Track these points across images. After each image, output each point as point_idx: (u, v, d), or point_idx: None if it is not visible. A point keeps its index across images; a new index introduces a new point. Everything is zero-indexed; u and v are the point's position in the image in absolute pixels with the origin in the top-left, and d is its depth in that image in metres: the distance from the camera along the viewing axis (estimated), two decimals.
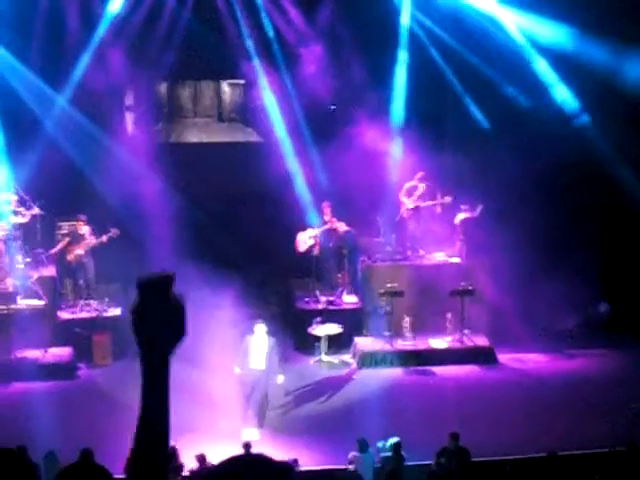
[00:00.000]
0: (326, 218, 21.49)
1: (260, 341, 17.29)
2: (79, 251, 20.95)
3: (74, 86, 21.85)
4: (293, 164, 22.61)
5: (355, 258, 22.06)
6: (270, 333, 17.45)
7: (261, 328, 17.35)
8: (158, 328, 2.99)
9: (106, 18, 21.86)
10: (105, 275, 21.33)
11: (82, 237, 20.98)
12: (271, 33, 22.44)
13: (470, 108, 22.18)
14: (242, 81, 24.09)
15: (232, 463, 2.98)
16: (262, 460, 3.00)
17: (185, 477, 14.17)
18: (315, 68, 22.31)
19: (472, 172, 20.72)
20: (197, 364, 18.25)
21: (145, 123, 23.25)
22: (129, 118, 23.41)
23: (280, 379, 17.40)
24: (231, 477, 2.89)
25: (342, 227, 21.42)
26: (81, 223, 20.98)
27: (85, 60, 21.87)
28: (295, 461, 13.62)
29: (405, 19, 22.46)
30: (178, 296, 3.03)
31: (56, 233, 21.33)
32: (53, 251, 21.06)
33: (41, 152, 21.15)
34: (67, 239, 21.06)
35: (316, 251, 21.54)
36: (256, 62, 22.64)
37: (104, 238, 20.78)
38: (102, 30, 21.90)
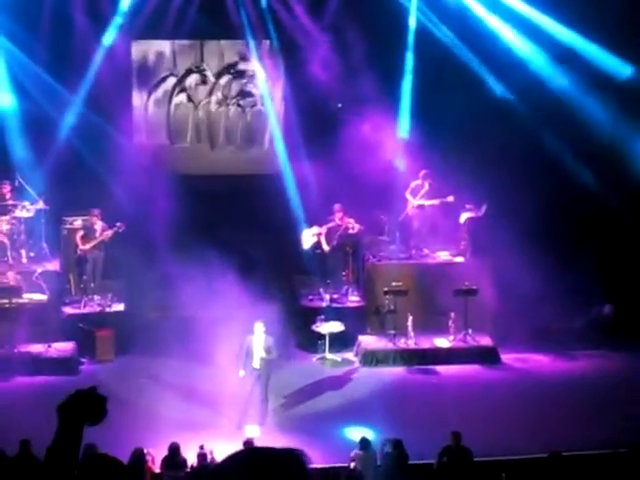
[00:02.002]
0: (338, 221, 21.35)
1: (259, 340, 17.26)
2: (91, 245, 20.92)
3: (83, 82, 21.91)
4: (297, 161, 22.63)
5: (360, 256, 22.03)
6: (268, 332, 17.39)
7: (259, 327, 17.33)
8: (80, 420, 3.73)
9: (117, 14, 21.92)
10: (109, 271, 21.33)
11: (95, 231, 20.95)
12: (276, 31, 22.50)
13: (475, 103, 22.17)
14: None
15: (236, 457, 2.95)
16: (266, 451, 2.97)
17: (187, 473, 14.19)
18: (320, 66, 22.27)
19: (476, 171, 20.66)
20: (201, 362, 18.32)
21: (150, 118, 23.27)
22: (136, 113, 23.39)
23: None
24: (237, 471, 2.86)
25: (354, 227, 21.32)
26: (95, 217, 20.95)
27: (94, 55, 21.94)
28: None
29: (412, 18, 22.49)
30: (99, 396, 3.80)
31: (61, 227, 21.32)
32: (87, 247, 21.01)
33: (48, 148, 21.25)
34: (81, 232, 21.01)
35: (321, 248, 21.50)
36: (259, 60, 22.77)
37: (110, 232, 20.76)
38: (113, 27, 21.99)
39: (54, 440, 3.65)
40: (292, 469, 2.87)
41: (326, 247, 21.41)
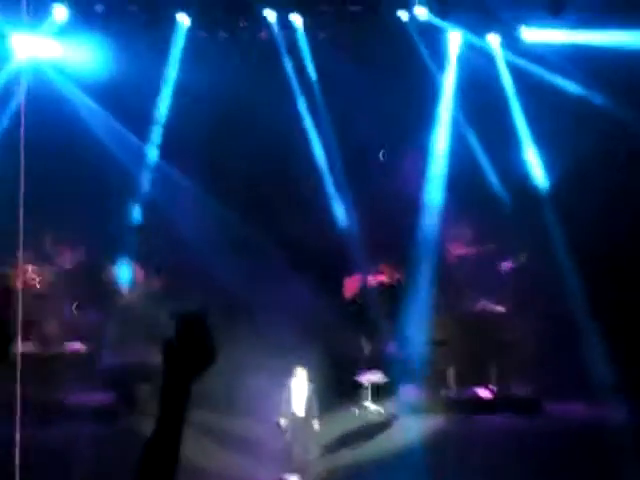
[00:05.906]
0: (386, 281, 21.39)
1: (301, 387, 17.19)
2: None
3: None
4: (337, 209, 22.63)
5: (401, 306, 21.95)
6: (310, 379, 17.34)
7: (302, 374, 17.26)
8: (187, 357, 3.23)
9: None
10: None
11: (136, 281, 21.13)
12: (315, 75, 22.50)
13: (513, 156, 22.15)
14: None
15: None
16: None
17: None
18: (362, 109, 22.23)
19: (517, 218, 20.61)
20: (241, 411, 18.26)
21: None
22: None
23: (316, 425, 17.22)
24: None
25: (401, 280, 21.35)
26: (137, 267, 21.11)
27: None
28: None
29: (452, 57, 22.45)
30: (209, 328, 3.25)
31: (102, 276, 21.43)
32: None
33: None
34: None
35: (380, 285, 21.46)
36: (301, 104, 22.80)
37: (156, 283, 20.90)
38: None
39: (160, 396, 3.23)
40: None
41: (388, 279, 21.42)
